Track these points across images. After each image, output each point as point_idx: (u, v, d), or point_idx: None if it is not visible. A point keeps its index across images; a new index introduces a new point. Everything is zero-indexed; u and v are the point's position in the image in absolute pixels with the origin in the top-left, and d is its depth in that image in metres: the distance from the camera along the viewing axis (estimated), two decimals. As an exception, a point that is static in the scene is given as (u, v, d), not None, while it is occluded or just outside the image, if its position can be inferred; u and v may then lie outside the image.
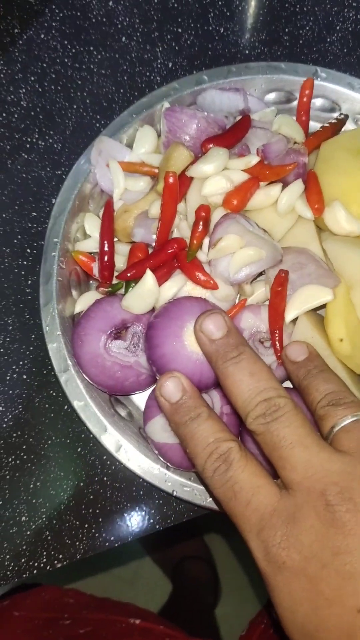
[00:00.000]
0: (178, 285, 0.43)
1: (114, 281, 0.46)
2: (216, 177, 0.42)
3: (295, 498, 0.31)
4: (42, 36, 0.52)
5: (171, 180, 0.41)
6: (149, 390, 0.45)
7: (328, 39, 0.52)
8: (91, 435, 0.46)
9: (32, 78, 0.51)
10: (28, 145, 0.51)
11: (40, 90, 0.51)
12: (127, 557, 1.21)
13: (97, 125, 0.51)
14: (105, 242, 0.46)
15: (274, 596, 0.31)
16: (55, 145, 0.51)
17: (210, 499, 0.43)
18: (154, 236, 0.44)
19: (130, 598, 0.72)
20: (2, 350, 0.48)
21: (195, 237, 0.42)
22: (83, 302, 0.47)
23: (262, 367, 0.34)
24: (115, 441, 0.43)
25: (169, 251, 0.43)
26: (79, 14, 0.52)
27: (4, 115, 0.51)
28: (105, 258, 0.46)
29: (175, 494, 0.43)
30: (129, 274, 0.43)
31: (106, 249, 0.46)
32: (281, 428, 0.32)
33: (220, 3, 0.53)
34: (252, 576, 1.17)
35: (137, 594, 1.18)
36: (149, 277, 0.41)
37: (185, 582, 1.19)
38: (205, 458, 0.33)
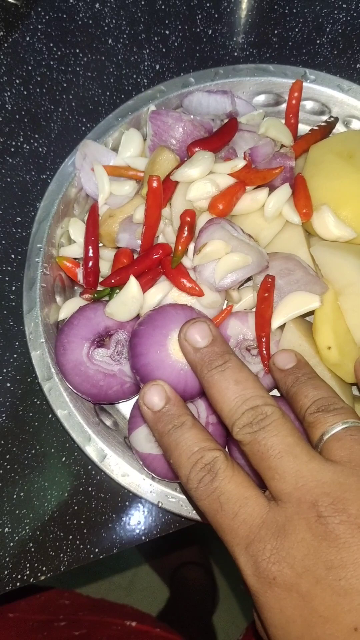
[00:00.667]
0: (163, 292, 0.42)
1: (99, 287, 0.45)
2: (201, 181, 0.41)
3: (285, 510, 0.29)
4: (28, 39, 0.51)
5: (155, 184, 0.41)
6: (134, 399, 0.44)
7: (318, 41, 0.51)
8: (75, 445, 0.45)
9: (17, 81, 0.50)
10: (13, 149, 0.50)
11: (25, 93, 0.50)
12: (124, 563, 1.20)
13: (83, 128, 0.50)
14: (90, 247, 0.45)
15: (264, 614, 0.29)
16: (40, 149, 0.50)
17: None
18: (139, 241, 0.43)
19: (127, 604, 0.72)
20: (-15, 357, 0.47)
21: (180, 243, 0.41)
22: (67, 308, 0.46)
23: (248, 375, 0.33)
24: (100, 451, 0.42)
25: (154, 257, 0.42)
26: (65, 16, 0.52)
27: (-12, 118, 0.50)
28: (90, 264, 0.45)
29: (160, 505, 0.42)
30: (112, 280, 0.43)
31: (91, 254, 0.45)
32: (269, 437, 0.30)
33: (208, 5, 0.52)
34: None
35: (134, 600, 1.16)
36: (132, 284, 0.40)
37: (182, 589, 1.18)
38: (189, 468, 0.32)
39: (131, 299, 0.40)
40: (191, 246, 0.41)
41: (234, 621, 1.17)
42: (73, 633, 0.59)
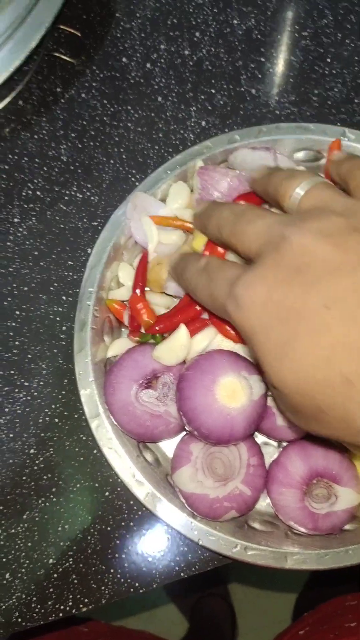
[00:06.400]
0: (209, 338, 0.44)
1: (143, 331, 0.47)
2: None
3: (259, 255, 0.32)
4: (83, 95, 0.55)
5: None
6: (177, 438, 0.46)
7: (356, 100, 0.54)
8: (119, 480, 0.47)
9: (73, 135, 0.54)
10: (66, 198, 0.53)
11: (80, 146, 0.54)
12: (144, 593, 1.20)
13: (133, 179, 0.53)
14: (137, 291, 0.48)
15: (248, 337, 0.31)
16: (92, 198, 0.53)
17: (236, 549, 0.43)
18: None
19: (147, 637, 0.72)
20: (35, 393, 0.50)
21: None
22: (115, 348, 0.48)
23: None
24: (143, 487, 0.44)
25: (198, 307, 0.44)
26: (118, 74, 0.55)
27: (45, 169, 0.54)
28: (137, 306, 0.48)
29: (200, 542, 0.43)
30: (157, 328, 0.45)
31: (138, 300, 0.47)
32: (243, 216, 0.35)
33: (252, 66, 0.55)
34: (271, 616, 1.16)
35: (153, 631, 1.16)
36: (182, 333, 0.42)
37: (202, 620, 1.18)
38: (192, 273, 0.38)
39: (179, 347, 0.43)
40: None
41: (254, 655, 1.16)
42: None
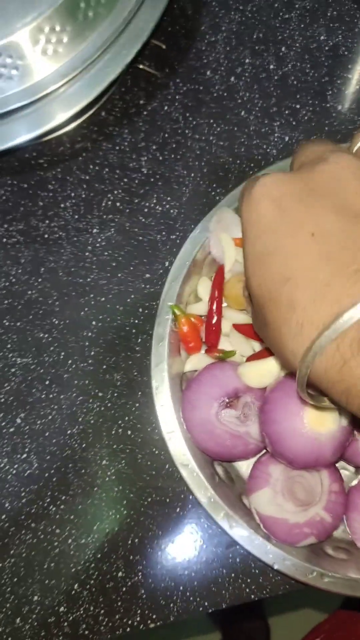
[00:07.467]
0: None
1: (220, 347, 0.47)
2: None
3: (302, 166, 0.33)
4: (166, 108, 0.55)
5: None
6: (254, 459, 0.45)
7: None
8: (191, 497, 0.47)
9: (154, 147, 0.54)
10: (146, 210, 0.53)
11: (160, 158, 0.54)
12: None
13: (213, 193, 0.53)
14: (214, 308, 0.47)
15: (243, 226, 0.32)
16: (171, 211, 0.53)
17: (312, 575, 0.42)
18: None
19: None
20: (109, 404, 0.50)
21: None
22: (192, 362, 0.48)
23: None
24: (217, 506, 0.44)
25: None
26: (201, 88, 0.55)
27: (125, 180, 0.54)
28: (213, 322, 0.47)
29: (275, 566, 0.43)
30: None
31: (214, 315, 0.47)
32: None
33: (338, 82, 0.54)
34: (304, 633, 1.13)
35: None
36: (274, 361, 0.42)
37: (236, 636, 1.17)
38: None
39: (268, 373, 0.42)
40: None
41: None
42: None
